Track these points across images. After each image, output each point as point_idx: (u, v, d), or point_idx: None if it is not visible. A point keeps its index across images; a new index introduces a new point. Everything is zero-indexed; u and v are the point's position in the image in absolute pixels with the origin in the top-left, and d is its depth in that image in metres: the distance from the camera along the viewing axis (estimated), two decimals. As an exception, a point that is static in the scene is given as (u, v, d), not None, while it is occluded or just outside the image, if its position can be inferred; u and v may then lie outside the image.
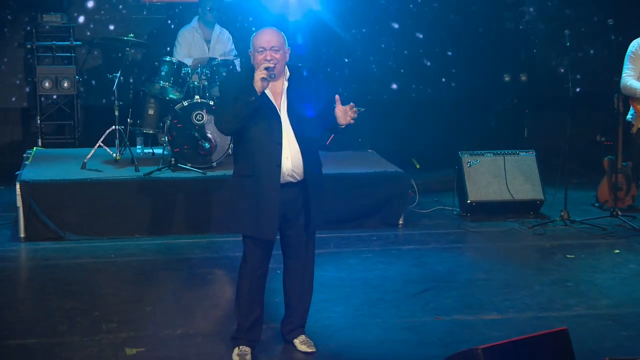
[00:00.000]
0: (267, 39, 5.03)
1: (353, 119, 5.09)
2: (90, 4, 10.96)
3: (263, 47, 5.00)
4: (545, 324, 5.53)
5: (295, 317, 5.45)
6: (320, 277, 6.68)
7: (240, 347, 5.23)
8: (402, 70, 11.82)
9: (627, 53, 7.82)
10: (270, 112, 5.05)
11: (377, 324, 5.87)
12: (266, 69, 4.91)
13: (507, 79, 11.45)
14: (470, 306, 6.20)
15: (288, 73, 5.14)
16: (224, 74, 8.47)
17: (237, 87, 5.04)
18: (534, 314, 5.95)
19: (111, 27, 10.95)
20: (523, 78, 11.39)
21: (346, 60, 11.69)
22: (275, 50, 5.00)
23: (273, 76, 4.94)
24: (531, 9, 11.79)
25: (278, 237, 5.29)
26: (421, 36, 11.72)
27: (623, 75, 7.76)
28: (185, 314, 6.05)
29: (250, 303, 5.25)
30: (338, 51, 11.63)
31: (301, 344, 5.40)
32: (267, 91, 5.04)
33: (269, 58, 4.96)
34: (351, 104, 5.10)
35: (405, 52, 11.79)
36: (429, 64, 11.87)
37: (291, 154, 5.07)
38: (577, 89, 11.19)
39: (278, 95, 5.10)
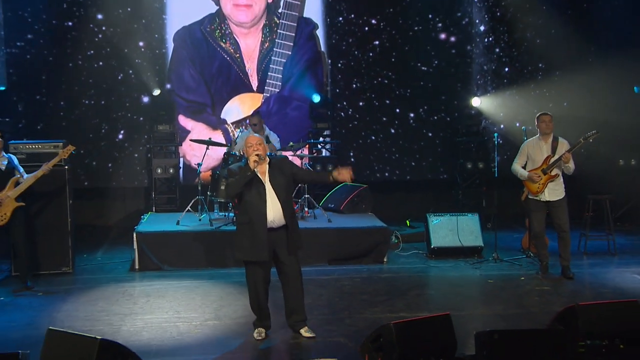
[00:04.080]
0: (254, 138, 6.17)
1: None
2: (181, 119, 12.19)
3: (252, 143, 6.11)
4: (455, 319, 6.03)
5: (297, 314, 6.33)
6: (322, 293, 7.74)
7: (258, 329, 6.32)
8: (404, 158, 12.57)
9: (520, 148, 8.32)
10: (259, 183, 6.13)
11: (349, 318, 6.85)
12: (256, 154, 6.07)
13: (469, 166, 12.01)
14: (412, 308, 7.12)
15: (269, 160, 6.22)
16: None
17: (239, 168, 6.17)
18: (452, 313, 6.50)
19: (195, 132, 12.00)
20: (481, 165, 12.00)
21: (354, 150, 12.55)
22: (259, 144, 6.11)
23: (261, 159, 6.08)
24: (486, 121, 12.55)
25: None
26: (413, 144, 12.59)
27: (514, 162, 8.31)
28: (227, 310, 7.12)
29: (259, 306, 6.26)
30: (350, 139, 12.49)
31: (305, 332, 6.31)
32: (257, 171, 6.11)
33: (256, 149, 6.09)
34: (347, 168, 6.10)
35: (401, 140, 12.56)
36: (417, 156, 12.68)
37: (273, 208, 6.09)
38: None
39: (263, 173, 6.17)
